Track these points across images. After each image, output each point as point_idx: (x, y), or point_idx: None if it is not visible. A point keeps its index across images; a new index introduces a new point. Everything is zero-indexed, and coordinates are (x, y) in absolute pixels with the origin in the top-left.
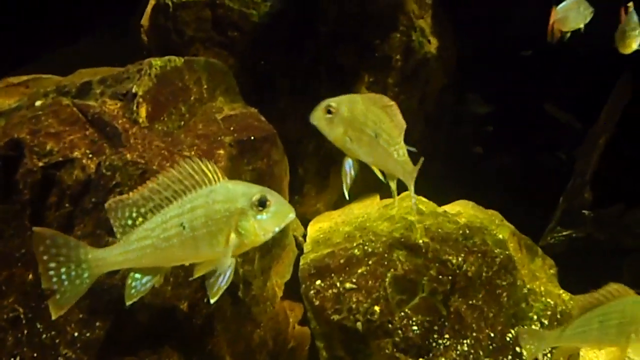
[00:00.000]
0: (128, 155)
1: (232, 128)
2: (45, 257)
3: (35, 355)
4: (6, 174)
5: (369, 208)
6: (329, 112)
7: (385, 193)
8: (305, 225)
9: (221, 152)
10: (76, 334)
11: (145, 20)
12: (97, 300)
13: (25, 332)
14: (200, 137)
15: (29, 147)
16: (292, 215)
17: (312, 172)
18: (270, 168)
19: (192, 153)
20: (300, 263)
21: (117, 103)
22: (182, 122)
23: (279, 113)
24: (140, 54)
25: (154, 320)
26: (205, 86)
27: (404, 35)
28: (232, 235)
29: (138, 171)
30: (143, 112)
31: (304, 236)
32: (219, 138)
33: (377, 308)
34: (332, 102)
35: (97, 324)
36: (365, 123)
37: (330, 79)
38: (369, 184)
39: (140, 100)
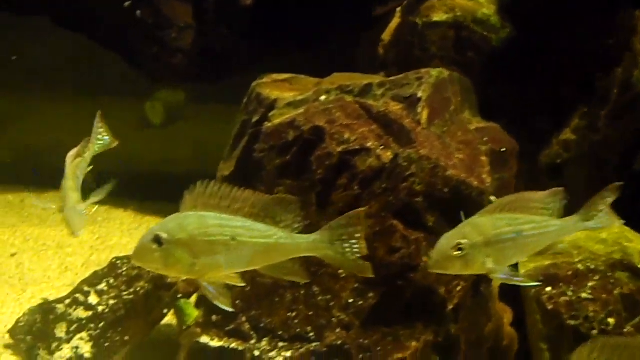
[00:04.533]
0: (422, 151)
1: (485, 139)
2: None
3: (310, 313)
4: (302, 155)
5: None
6: (460, 249)
7: None
8: None
9: (484, 158)
10: (351, 300)
11: (387, 35)
12: (375, 273)
13: (302, 292)
14: (462, 143)
15: (329, 134)
16: None
17: None
18: (511, 179)
19: (462, 156)
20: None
21: (398, 105)
22: (446, 129)
23: None
24: (366, 64)
25: (416, 298)
26: (459, 98)
27: (626, 71)
28: None
29: (430, 165)
30: (425, 115)
31: None
32: (477, 146)
33: (611, 320)
34: (456, 238)
35: (370, 294)
36: (501, 233)
37: (548, 107)
38: None
39: (424, 104)
